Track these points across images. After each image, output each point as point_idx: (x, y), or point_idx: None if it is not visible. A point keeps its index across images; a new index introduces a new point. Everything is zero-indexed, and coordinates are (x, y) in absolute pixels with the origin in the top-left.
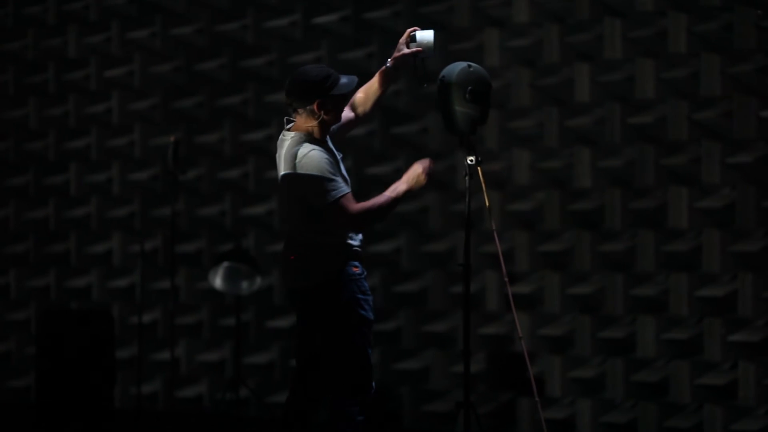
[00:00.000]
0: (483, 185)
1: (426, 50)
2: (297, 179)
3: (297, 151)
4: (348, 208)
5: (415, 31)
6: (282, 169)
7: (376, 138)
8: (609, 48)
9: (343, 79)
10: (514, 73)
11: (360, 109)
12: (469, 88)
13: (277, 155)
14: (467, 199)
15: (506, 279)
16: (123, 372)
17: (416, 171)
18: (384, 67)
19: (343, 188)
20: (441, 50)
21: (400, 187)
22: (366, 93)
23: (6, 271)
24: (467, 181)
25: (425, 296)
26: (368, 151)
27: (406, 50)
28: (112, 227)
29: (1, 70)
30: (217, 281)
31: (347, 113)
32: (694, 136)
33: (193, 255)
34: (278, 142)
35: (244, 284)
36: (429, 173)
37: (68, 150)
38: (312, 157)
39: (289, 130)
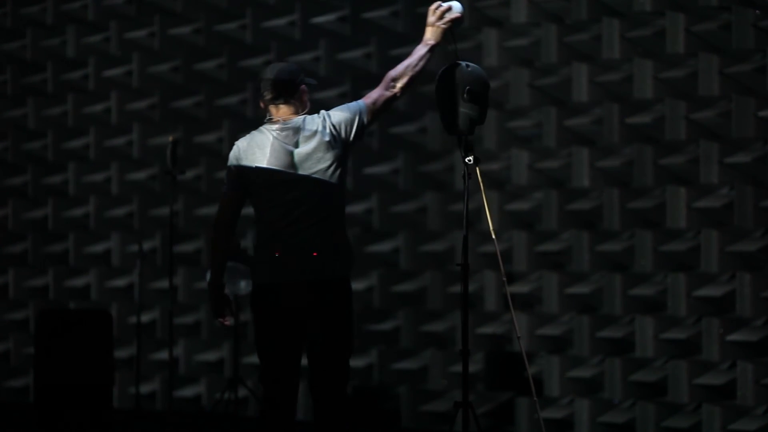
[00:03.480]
0: (481, 185)
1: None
2: (343, 126)
3: (315, 117)
4: (379, 90)
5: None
6: (304, 152)
7: (374, 137)
8: (607, 48)
9: None
10: (513, 73)
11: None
12: (468, 87)
13: (278, 152)
14: (465, 199)
15: (504, 279)
16: (122, 372)
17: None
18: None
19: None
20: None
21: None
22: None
23: (5, 271)
24: (465, 181)
25: (424, 296)
26: (366, 150)
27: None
28: (111, 227)
29: None
30: None
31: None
32: (693, 136)
33: (192, 255)
34: (275, 139)
35: (243, 284)
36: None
37: (67, 150)
38: (331, 110)
39: (275, 122)
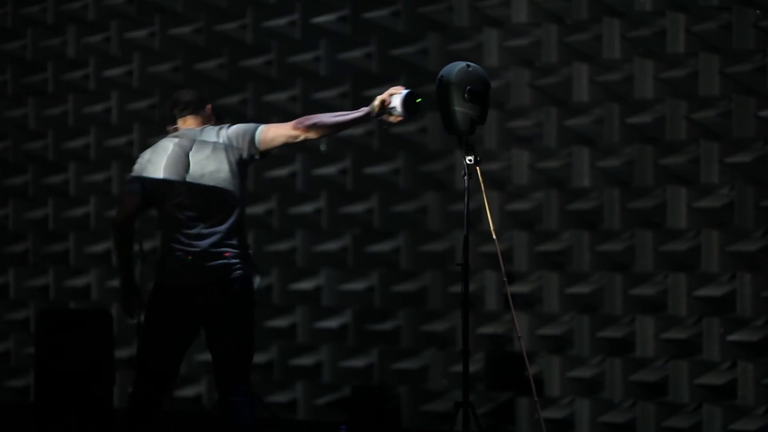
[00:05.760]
0: (482, 185)
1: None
2: (233, 139)
3: (217, 130)
4: (285, 124)
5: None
6: (203, 165)
7: (374, 137)
8: (608, 48)
9: None
10: (513, 73)
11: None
12: (468, 87)
13: (178, 161)
14: (466, 199)
15: (505, 279)
16: (122, 372)
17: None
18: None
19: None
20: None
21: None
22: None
23: (5, 271)
24: (466, 181)
25: (424, 296)
26: (367, 150)
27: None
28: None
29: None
30: None
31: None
32: (693, 136)
33: None
34: (175, 146)
35: None
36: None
37: (67, 150)
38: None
39: (177, 131)
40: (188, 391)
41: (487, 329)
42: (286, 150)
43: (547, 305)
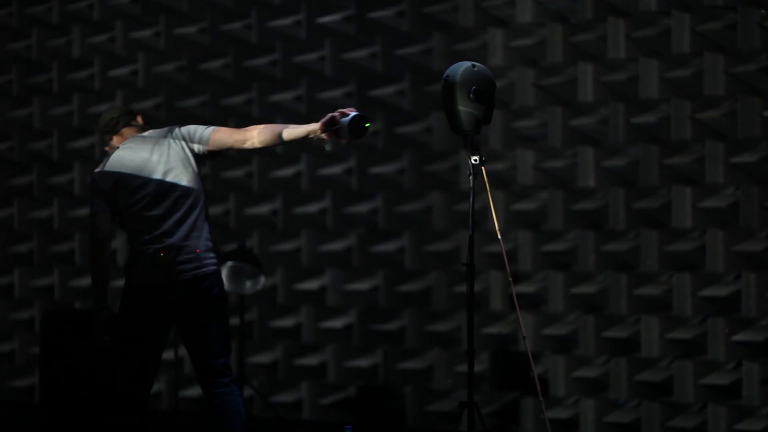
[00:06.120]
0: (487, 185)
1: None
2: (186, 137)
3: (167, 131)
4: (235, 129)
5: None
6: (164, 164)
7: (379, 137)
8: (612, 48)
9: None
10: (518, 72)
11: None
12: (473, 87)
13: (137, 164)
14: (471, 199)
15: (510, 279)
16: None
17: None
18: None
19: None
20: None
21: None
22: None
23: (10, 271)
24: (471, 181)
25: (429, 296)
26: (372, 150)
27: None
28: (116, 227)
29: (5, 70)
30: None
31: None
32: (698, 135)
33: None
34: (128, 151)
35: (248, 284)
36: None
37: (72, 150)
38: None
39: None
40: (192, 391)
41: (492, 329)
42: (290, 150)
43: (552, 305)
